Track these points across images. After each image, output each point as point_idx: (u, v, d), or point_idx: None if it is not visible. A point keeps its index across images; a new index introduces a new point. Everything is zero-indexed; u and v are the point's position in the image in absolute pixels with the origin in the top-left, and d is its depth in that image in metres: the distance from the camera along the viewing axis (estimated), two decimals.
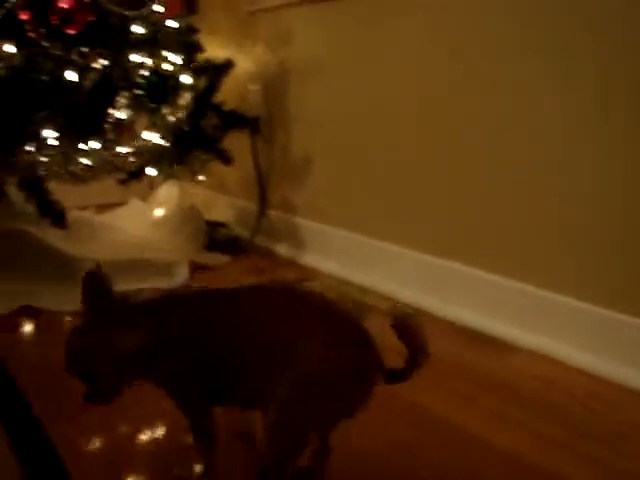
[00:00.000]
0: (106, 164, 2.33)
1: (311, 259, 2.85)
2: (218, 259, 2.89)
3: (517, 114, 1.97)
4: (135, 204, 3.44)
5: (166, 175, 3.13)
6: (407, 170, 2.40)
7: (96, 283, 1.21)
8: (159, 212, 3.27)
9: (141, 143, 2.35)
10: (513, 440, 1.53)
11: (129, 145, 2.33)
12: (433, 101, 2.26)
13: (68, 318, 2.29)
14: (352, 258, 2.65)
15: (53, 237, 2.76)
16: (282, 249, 3.01)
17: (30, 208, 2.74)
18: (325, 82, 2.75)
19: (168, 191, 3.37)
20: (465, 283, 2.21)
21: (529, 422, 1.61)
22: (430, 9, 2.22)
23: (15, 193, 2.70)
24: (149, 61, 2.49)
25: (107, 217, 3.34)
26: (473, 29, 2.07)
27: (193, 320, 1.21)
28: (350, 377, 1.13)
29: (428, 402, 1.71)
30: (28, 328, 2.25)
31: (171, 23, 2.67)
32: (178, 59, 2.64)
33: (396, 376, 1.17)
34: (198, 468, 1.35)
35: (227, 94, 2.92)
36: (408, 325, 1.15)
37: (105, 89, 2.34)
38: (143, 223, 3.26)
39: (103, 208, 3.45)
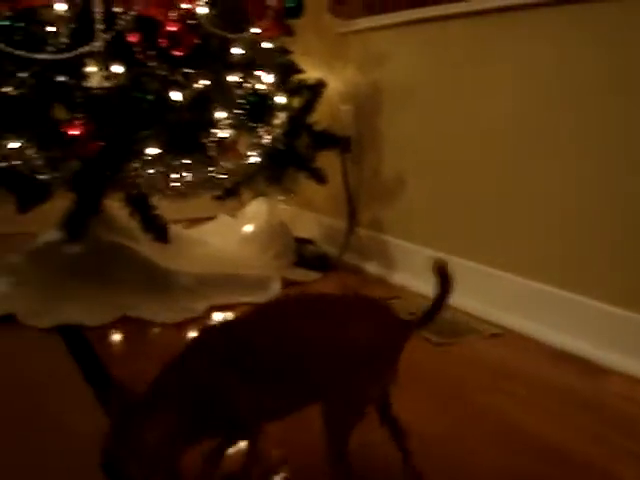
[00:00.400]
0: (206, 181, 2.40)
1: (400, 278, 2.88)
2: (308, 275, 2.94)
3: (609, 141, 1.98)
4: (224, 220, 3.53)
5: (256, 192, 3.21)
6: (501, 191, 2.41)
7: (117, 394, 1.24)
8: (248, 228, 3.34)
9: (243, 161, 2.42)
10: (609, 458, 1.54)
11: (230, 163, 2.39)
12: (528, 121, 2.27)
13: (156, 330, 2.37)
14: None
15: (147, 251, 2.85)
16: (371, 267, 3.04)
17: (126, 222, 2.85)
18: (416, 103, 2.79)
19: (257, 208, 3.44)
20: (559, 306, 2.21)
21: (626, 443, 1.62)
22: (523, 35, 2.25)
23: (113, 207, 2.81)
24: (248, 82, 2.55)
25: (196, 232, 3.43)
26: (564, 58, 2.09)
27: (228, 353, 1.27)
28: (392, 349, 1.31)
29: (522, 420, 1.72)
30: (127, 337, 2.33)
31: (266, 45, 2.74)
32: (272, 79, 2.70)
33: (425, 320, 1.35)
34: None
35: (318, 114, 2.98)
36: (445, 271, 1.39)
37: (207, 109, 2.42)
38: (232, 239, 3.34)
39: (192, 223, 3.54)
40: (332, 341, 1.28)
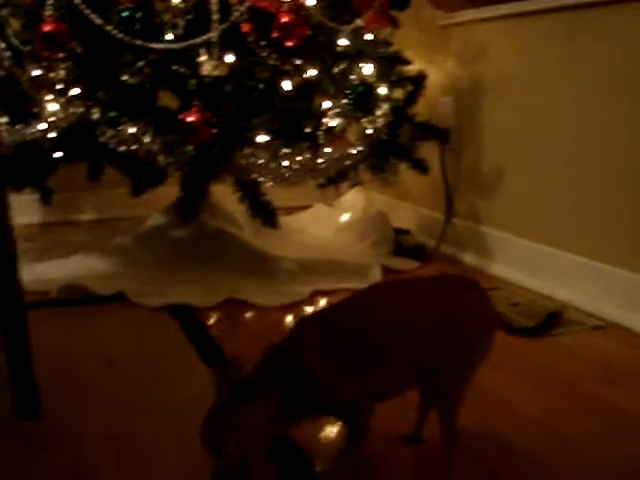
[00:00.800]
0: (311, 169, 2.46)
1: (498, 269, 2.89)
2: (407, 264, 2.97)
3: None
4: (320, 209, 3.59)
5: (353, 182, 3.26)
6: (605, 183, 2.41)
7: (226, 372, 1.27)
8: (345, 217, 3.39)
9: (350, 150, 2.47)
10: None
11: (337, 151, 2.45)
12: (632, 115, 2.26)
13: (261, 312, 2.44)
14: (541, 270, 2.67)
15: (250, 237, 2.94)
16: (468, 258, 3.06)
17: (230, 209, 2.94)
18: (517, 96, 2.80)
19: (354, 197, 3.49)
20: None
21: None
22: (626, 31, 2.24)
23: (217, 194, 2.89)
24: (353, 72, 2.60)
25: (293, 220, 3.50)
26: None
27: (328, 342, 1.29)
28: (493, 326, 1.37)
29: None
30: (233, 319, 2.42)
31: (369, 36, 2.78)
32: (376, 71, 2.73)
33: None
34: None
35: (418, 106, 3.01)
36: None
37: (315, 98, 2.48)
38: (329, 227, 3.40)
39: (288, 211, 3.61)
40: (436, 320, 1.33)
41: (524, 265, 2.75)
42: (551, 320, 1.45)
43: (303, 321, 1.38)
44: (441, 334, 1.32)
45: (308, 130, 2.49)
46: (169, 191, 2.91)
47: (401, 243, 3.18)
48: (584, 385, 1.87)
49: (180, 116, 2.27)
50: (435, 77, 3.16)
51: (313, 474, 1.45)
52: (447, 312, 1.34)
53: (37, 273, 2.71)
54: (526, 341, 2.16)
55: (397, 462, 1.52)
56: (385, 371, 1.32)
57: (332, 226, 3.37)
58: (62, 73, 2.42)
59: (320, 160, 2.48)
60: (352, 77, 2.61)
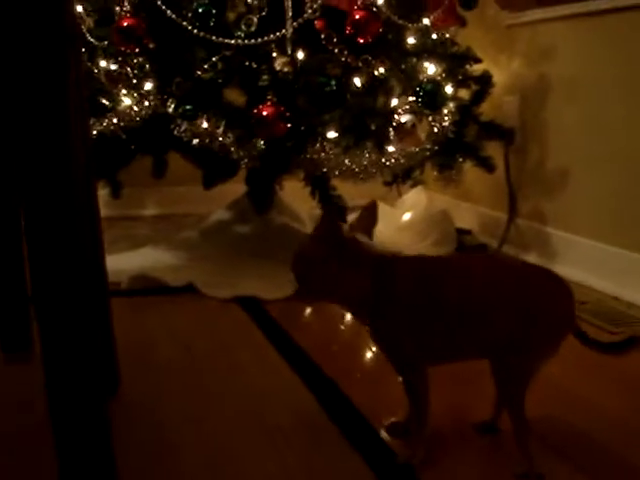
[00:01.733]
0: (381, 165, 2.48)
1: (562, 269, 2.86)
2: None
3: None
4: (382, 207, 3.58)
5: (415, 181, 3.28)
6: None
7: (334, 218, 1.39)
8: (407, 216, 3.40)
9: (420, 147, 2.48)
10: None
11: (407, 148, 2.47)
12: None
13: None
14: (607, 270, 2.66)
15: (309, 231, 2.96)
16: (531, 258, 3.05)
17: (295, 206, 2.98)
18: (583, 97, 2.79)
19: (416, 196, 3.50)
20: None
21: None
22: None
23: (281, 191, 2.93)
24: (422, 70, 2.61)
25: (353, 218, 3.51)
26: None
27: (420, 279, 1.38)
28: (569, 319, 1.39)
29: None
30: (304, 311, 2.46)
31: (438, 34, 2.80)
32: (441, 69, 2.74)
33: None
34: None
35: (483, 105, 3.01)
36: None
37: (386, 95, 2.51)
38: (390, 226, 3.40)
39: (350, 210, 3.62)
40: (512, 301, 1.36)
41: (589, 265, 2.74)
42: (633, 341, 1.45)
43: (400, 259, 1.42)
44: (517, 316, 1.35)
45: (376, 127, 2.51)
46: (231, 189, 2.96)
47: (463, 243, 3.18)
48: None
49: (254, 110, 2.30)
50: (500, 77, 3.15)
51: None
52: (528, 298, 1.36)
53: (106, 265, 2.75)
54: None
55: (473, 451, 1.52)
56: (454, 333, 1.38)
57: (394, 225, 3.38)
58: (136, 68, 2.46)
59: (389, 157, 2.49)
60: (420, 75, 2.62)
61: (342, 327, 2.31)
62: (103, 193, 2.95)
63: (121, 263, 2.79)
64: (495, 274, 1.41)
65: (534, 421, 1.43)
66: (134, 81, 2.47)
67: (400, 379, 1.45)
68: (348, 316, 2.35)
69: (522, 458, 1.40)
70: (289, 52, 2.37)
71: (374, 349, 2.07)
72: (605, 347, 1.45)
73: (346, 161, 2.44)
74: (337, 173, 2.46)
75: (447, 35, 2.86)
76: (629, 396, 1.77)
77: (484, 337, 1.38)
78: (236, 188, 2.93)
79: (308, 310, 2.46)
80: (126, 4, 2.41)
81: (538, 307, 1.36)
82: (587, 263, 2.75)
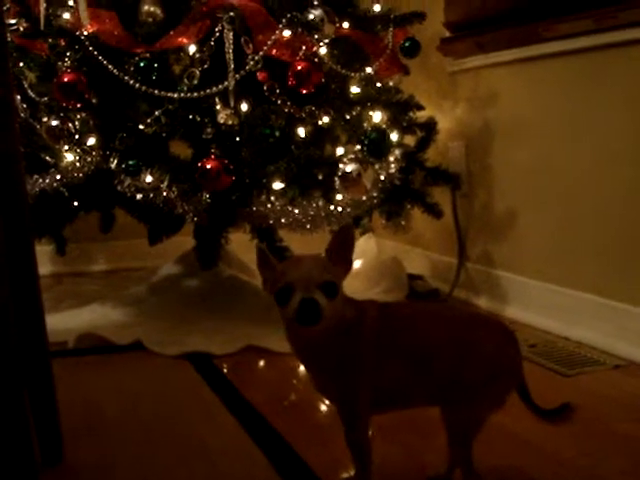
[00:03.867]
0: (328, 214, 2.47)
1: (513, 311, 2.89)
2: None
3: None
4: None
5: (365, 229, 3.28)
6: (616, 225, 2.42)
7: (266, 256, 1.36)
8: (357, 264, 3.39)
9: (366, 195, 2.48)
10: None
11: (353, 197, 2.46)
12: None
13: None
14: (557, 311, 2.67)
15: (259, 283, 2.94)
16: (482, 301, 3.06)
17: (241, 258, 2.95)
18: (528, 140, 2.82)
19: (365, 244, 3.50)
20: None
21: None
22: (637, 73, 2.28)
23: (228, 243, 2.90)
24: (366, 119, 2.62)
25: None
26: None
27: (385, 322, 1.39)
28: (515, 371, 1.41)
29: None
30: (256, 365, 2.41)
31: (380, 84, 2.82)
32: (386, 117, 2.75)
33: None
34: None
35: (428, 151, 3.03)
36: None
37: (330, 144, 2.51)
38: None
39: None
40: (460, 348, 1.37)
41: (539, 307, 2.75)
42: (565, 408, 1.45)
43: (370, 302, 1.43)
44: (465, 363, 1.36)
45: (323, 176, 2.51)
46: (181, 241, 2.93)
47: (415, 288, 3.18)
48: (612, 424, 1.86)
49: (198, 164, 2.29)
50: (445, 123, 3.19)
51: None
52: (475, 347, 1.37)
53: (51, 323, 2.65)
54: (548, 383, 2.15)
55: None
56: (409, 377, 1.38)
57: None
58: (78, 123, 2.44)
59: (336, 206, 2.49)
60: (365, 124, 2.63)
61: (294, 382, 2.27)
62: (49, 249, 2.91)
63: (68, 321, 2.75)
64: (443, 322, 1.43)
65: (488, 471, 1.42)
66: (76, 137, 2.44)
67: (345, 436, 1.43)
68: (299, 371, 2.32)
69: None
70: (232, 104, 2.37)
71: (325, 404, 2.04)
72: (541, 412, 1.44)
73: (293, 211, 2.42)
74: (284, 224, 2.44)
75: (391, 83, 2.89)
76: (581, 440, 1.76)
77: (434, 383, 1.38)
78: (186, 241, 2.90)
79: (259, 364, 2.42)
80: (67, 59, 2.39)
81: (483, 356, 1.37)
82: (536, 304, 2.76)
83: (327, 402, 2.01)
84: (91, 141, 2.44)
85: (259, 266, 1.37)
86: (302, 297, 1.25)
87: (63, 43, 2.44)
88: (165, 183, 2.36)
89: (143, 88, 2.36)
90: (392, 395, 1.42)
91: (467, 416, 1.38)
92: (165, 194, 2.36)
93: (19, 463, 1.16)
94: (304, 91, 2.38)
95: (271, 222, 2.42)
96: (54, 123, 2.44)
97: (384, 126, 2.65)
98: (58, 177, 2.47)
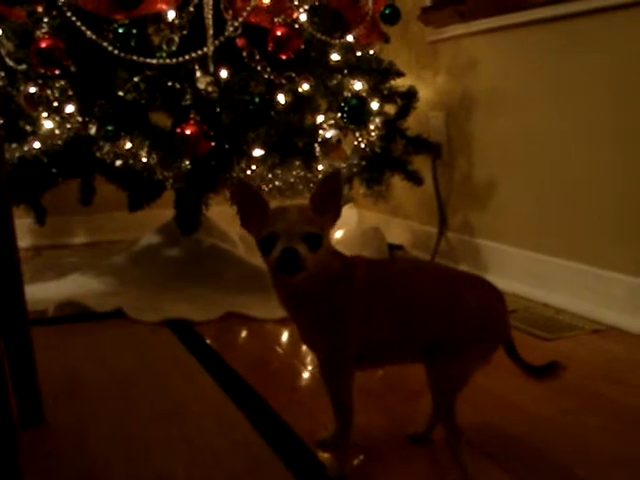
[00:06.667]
0: (308, 182, 2.47)
1: (493, 279, 2.86)
2: None
3: None
4: None
5: (345, 199, 3.27)
6: (597, 190, 2.43)
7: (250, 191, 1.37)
8: (339, 234, 3.40)
9: (347, 162, 2.48)
10: None
11: (334, 163, 2.46)
12: (621, 123, 2.30)
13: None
14: (536, 278, 2.69)
15: (244, 254, 2.94)
16: (462, 269, 3.07)
17: (223, 227, 2.95)
18: (508, 108, 2.83)
19: (347, 214, 3.50)
20: None
21: None
22: (616, 40, 2.28)
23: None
24: (346, 86, 2.62)
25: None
26: None
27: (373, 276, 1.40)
28: (502, 328, 1.41)
29: None
30: (237, 332, 2.42)
31: (359, 52, 2.81)
32: (366, 85, 2.74)
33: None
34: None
35: (409, 120, 3.02)
36: None
37: (310, 111, 2.50)
38: None
39: None
40: (448, 305, 1.38)
41: (519, 274, 2.77)
42: (553, 366, 1.44)
43: (359, 258, 1.45)
44: (450, 319, 1.37)
45: (303, 144, 2.50)
46: (161, 214, 2.93)
47: None
48: (590, 385, 1.88)
49: (177, 129, 2.27)
50: (425, 92, 3.18)
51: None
52: (461, 303, 1.38)
53: (31, 293, 2.65)
54: (528, 347, 2.17)
55: (407, 461, 1.51)
56: (391, 332, 1.39)
57: None
58: (57, 90, 2.41)
59: (316, 173, 2.49)
60: (345, 92, 2.62)
61: (275, 348, 2.28)
62: (28, 222, 2.89)
63: (48, 291, 2.74)
64: (432, 278, 1.44)
65: (469, 429, 1.44)
66: (55, 104, 2.42)
67: (326, 390, 1.44)
68: (281, 338, 2.34)
69: (455, 466, 1.39)
70: (211, 70, 2.35)
71: (306, 370, 2.05)
72: (529, 369, 1.45)
73: (274, 178, 2.42)
74: (264, 191, 2.43)
75: (371, 52, 2.88)
76: (560, 400, 1.78)
77: (421, 338, 1.39)
78: (166, 213, 2.89)
79: (241, 332, 2.42)
80: (44, 25, 2.36)
81: (471, 312, 1.38)
82: (516, 272, 2.78)
83: (309, 368, 2.03)
84: (70, 108, 2.42)
85: (239, 201, 1.37)
86: (284, 247, 1.26)
87: (40, 9, 2.40)
88: (144, 149, 2.34)
89: (122, 54, 2.34)
90: (378, 351, 1.43)
91: (452, 372, 1.38)
92: (145, 160, 2.35)
93: None
94: (284, 57, 2.37)
95: None
96: (32, 90, 2.42)
97: (364, 94, 2.64)
98: (37, 144, 2.45)
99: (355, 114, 2.53)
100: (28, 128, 2.50)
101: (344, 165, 2.53)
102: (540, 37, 2.63)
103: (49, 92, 2.42)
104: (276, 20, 2.37)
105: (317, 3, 2.57)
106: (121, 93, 2.39)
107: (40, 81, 2.41)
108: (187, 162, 2.37)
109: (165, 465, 1.50)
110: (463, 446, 1.39)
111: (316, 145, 2.43)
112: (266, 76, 2.44)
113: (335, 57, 2.67)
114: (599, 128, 2.40)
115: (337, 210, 1.35)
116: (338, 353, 1.40)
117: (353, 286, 1.37)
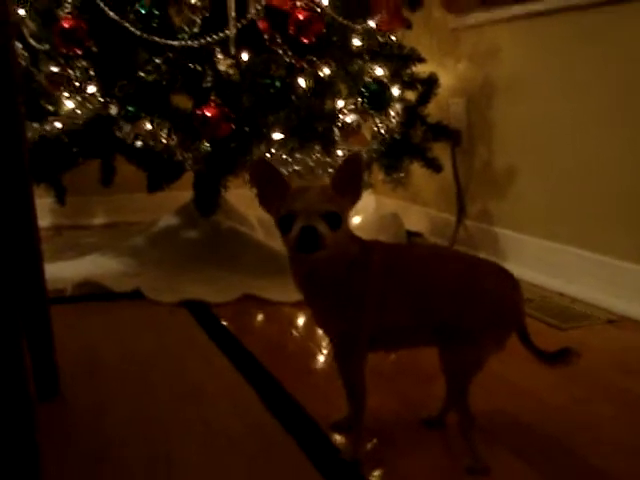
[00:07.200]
0: (327, 166, 2.47)
1: (511, 268, 2.86)
2: None
3: None
4: None
5: (364, 185, 3.27)
6: (615, 181, 2.42)
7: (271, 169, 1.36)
8: (356, 220, 3.40)
9: (367, 147, 2.48)
10: None
11: (351, 149, 2.46)
12: None
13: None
14: (553, 267, 2.68)
15: (261, 237, 2.95)
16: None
17: (242, 210, 2.96)
18: (529, 96, 2.81)
19: (365, 200, 3.49)
20: None
21: None
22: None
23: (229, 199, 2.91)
24: (367, 71, 2.61)
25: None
26: None
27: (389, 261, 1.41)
28: (517, 314, 1.41)
29: None
30: (254, 315, 2.43)
31: (382, 37, 2.80)
32: (387, 71, 2.73)
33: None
34: None
35: (429, 107, 3.01)
36: None
37: (331, 95, 2.50)
38: None
39: None
40: (464, 290, 1.38)
41: (536, 263, 2.76)
42: (566, 352, 1.44)
43: (377, 242, 1.46)
44: (466, 304, 1.37)
45: (322, 129, 2.50)
46: (180, 195, 2.94)
47: None
48: (603, 375, 1.87)
49: (197, 111, 2.28)
50: (447, 79, 3.17)
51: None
52: (477, 288, 1.38)
53: (50, 272, 2.67)
54: (543, 335, 2.16)
55: (419, 446, 1.52)
56: (406, 317, 1.40)
57: None
58: (79, 70, 2.42)
59: (336, 158, 2.49)
60: (365, 77, 2.62)
61: (290, 331, 2.29)
62: (49, 202, 2.91)
63: (67, 270, 2.75)
64: (448, 264, 1.44)
65: (482, 415, 1.44)
66: (77, 84, 2.43)
67: (339, 373, 1.44)
68: (296, 321, 2.34)
69: (468, 451, 1.40)
70: (232, 53, 2.35)
71: (322, 352, 2.06)
72: (543, 356, 1.44)
73: (293, 162, 2.42)
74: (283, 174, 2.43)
75: (393, 37, 2.87)
76: (574, 389, 1.78)
77: (436, 323, 1.39)
78: (185, 195, 2.91)
79: (257, 314, 2.43)
80: (67, 5, 2.37)
81: (486, 298, 1.38)
82: (533, 261, 2.77)
83: (324, 351, 2.04)
84: (91, 88, 2.43)
85: (258, 180, 1.36)
86: (303, 225, 1.26)
87: None
88: (165, 131, 2.34)
89: (144, 35, 2.35)
90: (392, 335, 1.43)
91: (466, 358, 1.39)
92: (164, 141, 2.36)
93: (15, 396, 1.17)
94: (305, 41, 2.36)
95: None
96: (54, 70, 2.43)
97: (385, 79, 2.63)
98: (58, 124, 2.46)
99: (375, 99, 2.53)
100: (50, 108, 2.51)
101: (364, 150, 2.52)
102: (560, 26, 2.61)
103: (71, 72, 2.42)
104: (298, 3, 2.37)
105: None
106: (142, 74, 2.39)
107: (62, 61, 2.42)
108: (207, 144, 2.37)
109: (179, 446, 1.51)
110: (476, 432, 1.40)
111: (336, 130, 2.42)
112: (287, 60, 2.43)
113: (356, 42, 2.65)
114: (619, 117, 2.39)
115: (357, 192, 1.35)
116: (352, 336, 1.40)
117: (370, 270, 1.37)
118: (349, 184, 1.33)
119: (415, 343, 1.48)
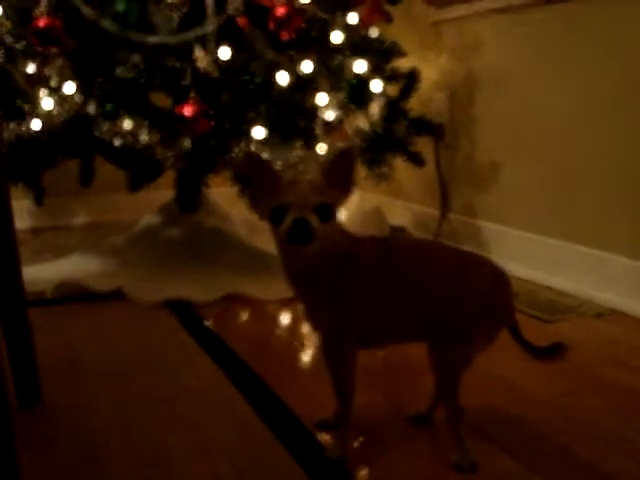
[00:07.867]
0: (306, 162, 2.45)
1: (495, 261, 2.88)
2: None
3: None
4: None
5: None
6: (600, 173, 2.41)
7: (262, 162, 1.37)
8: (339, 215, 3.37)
9: (349, 143, 2.46)
10: None
11: (333, 144, 2.44)
12: (624, 104, 2.27)
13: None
14: (539, 261, 2.67)
15: (244, 234, 2.93)
16: None
17: (224, 207, 2.93)
18: (511, 89, 2.81)
19: None
20: None
21: None
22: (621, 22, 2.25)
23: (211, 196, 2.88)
24: (348, 66, 2.59)
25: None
26: None
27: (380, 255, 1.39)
28: (506, 310, 1.41)
29: None
30: (237, 313, 2.40)
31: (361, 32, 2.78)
32: (369, 65, 2.71)
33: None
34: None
35: (411, 101, 2.99)
36: None
37: (311, 91, 2.48)
38: None
39: None
40: (454, 286, 1.37)
41: (521, 257, 2.75)
42: (557, 347, 1.44)
43: (368, 237, 1.45)
44: (455, 299, 1.36)
45: (304, 125, 2.48)
46: (160, 195, 2.90)
47: None
48: (591, 368, 1.87)
49: (176, 109, 2.25)
50: (428, 73, 3.16)
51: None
52: (467, 283, 1.37)
53: (29, 274, 2.62)
54: (530, 328, 2.15)
55: (407, 442, 1.50)
56: (396, 312, 1.38)
57: None
58: (56, 69, 2.39)
59: (312, 152, 2.47)
60: (347, 72, 2.60)
61: (275, 329, 2.27)
62: (27, 203, 2.86)
63: (46, 272, 2.72)
64: (438, 260, 1.42)
65: (471, 410, 1.42)
66: (54, 82, 2.39)
67: (327, 369, 1.43)
68: (280, 319, 2.32)
69: (456, 447, 1.38)
70: (211, 50, 2.33)
71: (307, 350, 2.04)
72: (534, 350, 1.43)
73: (274, 159, 2.39)
74: None
75: (373, 32, 2.84)
76: (562, 382, 1.77)
77: (425, 319, 1.38)
78: (166, 194, 2.87)
79: (240, 313, 2.41)
80: (42, 4, 2.33)
81: (476, 294, 1.36)
82: (519, 254, 2.76)
83: (309, 349, 2.02)
84: (69, 86, 2.39)
85: (249, 173, 1.35)
86: (295, 217, 1.24)
87: None
88: (144, 129, 2.31)
89: (121, 33, 2.31)
90: (382, 330, 1.42)
91: (456, 354, 1.37)
92: (145, 140, 2.32)
93: None
94: (285, 36, 2.33)
95: None
96: (31, 69, 2.40)
97: (366, 74, 2.61)
98: (35, 123, 2.42)
99: (356, 94, 2.51)
100: (26, 107, 2.47)
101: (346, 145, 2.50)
102: (543, 18, 2.60)
103: (48, 71, 2.38)
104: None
105: None
106: (120, 72, 2.35)
107: (39, 60, 2.38)
108: (187, 142, 2.34)
109: (163, 447, 1.49)
110: (464, 427, 1.38)
111: (317, 126, 2.39)
112: (267, 55, 2.40)
113: (337, 36, 2.62)
114: (602, 109, 2.38)
115: (349, 186, 1.33)
116: (342, 330, 1.39)
117: (360, 265, 1.36)
118: (341, 177, 1.32)
119: (405, 339, 1.47)
